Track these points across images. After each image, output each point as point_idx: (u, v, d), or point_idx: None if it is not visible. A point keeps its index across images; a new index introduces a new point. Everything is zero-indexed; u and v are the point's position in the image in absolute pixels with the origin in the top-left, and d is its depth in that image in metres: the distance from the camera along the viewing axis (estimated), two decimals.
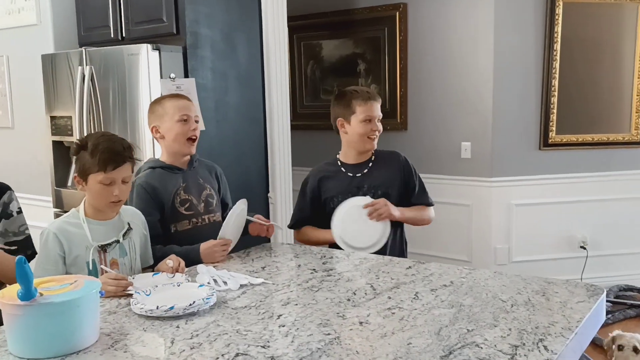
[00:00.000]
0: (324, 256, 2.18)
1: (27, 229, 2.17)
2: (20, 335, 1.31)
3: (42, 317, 1.30)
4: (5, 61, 3.95)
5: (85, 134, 3.31)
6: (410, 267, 2.01)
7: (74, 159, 1.93)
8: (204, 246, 2.12)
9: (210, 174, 2.44)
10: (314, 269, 2.02)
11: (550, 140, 4.19)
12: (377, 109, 2.51)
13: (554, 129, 4.17)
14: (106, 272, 1.81)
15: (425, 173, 4.42)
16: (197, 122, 2.31)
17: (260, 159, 3.69)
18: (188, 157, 2.32)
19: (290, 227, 2.64)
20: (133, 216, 2.04)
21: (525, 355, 1.30)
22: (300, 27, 4.92)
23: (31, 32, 3.80)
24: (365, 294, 1.74)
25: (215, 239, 2.15)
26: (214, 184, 2.42)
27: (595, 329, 1.61)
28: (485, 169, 4.20)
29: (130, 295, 1.69)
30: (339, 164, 2.57)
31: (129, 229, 1.98)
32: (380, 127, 2.52)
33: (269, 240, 2.60)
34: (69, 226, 1.88)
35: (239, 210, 2.21)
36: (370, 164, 2.55)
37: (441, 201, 4.36)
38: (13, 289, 1.31)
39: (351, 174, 2.52)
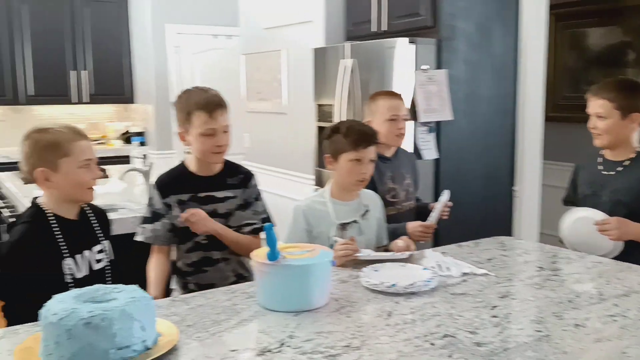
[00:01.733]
0: (555, 255, 2.12)
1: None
2: (265, 289, 1.59)
3: (283, 277, 1.55)
4: (284, 54, 4.51)
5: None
6: None
7: (325, 142, 2.18)
8: (410, 225, 2.31)
9: (409, 163, 2.64)
10: (541, 267, 1.98)
11: None
12: None
13: None
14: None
15: None
16: (405, 120, 2.51)
17: (507, 151, 3.63)
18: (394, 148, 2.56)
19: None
20: (371, 199, 2.25)
21: None
22: (567, 14, 4.63)
23: (305, 28, 4.27)
24: (590, 298, 1.67)
25: None
26: (413, 173, 2.62)
27: None
28: None
29: (359, 261, 1.89)
30: (601, 154, 2.39)
31: (367, 210, 2.19)
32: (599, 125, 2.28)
33: (510, 234, 2.61)
34: (316, 204, 2.14)
35: (445, 198, 2.35)
36: (628, 163, 2.30)
37: None
38: (264, 250, 1.59)
39: (605, 172, 2.35)
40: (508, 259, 2.10)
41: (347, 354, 1.32)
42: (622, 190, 2.26)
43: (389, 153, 2.54)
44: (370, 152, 2.11)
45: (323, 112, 3.94)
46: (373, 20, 3.78)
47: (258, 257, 1.60)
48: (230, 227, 2.15)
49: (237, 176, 2.22)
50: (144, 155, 4.00)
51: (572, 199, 2.52)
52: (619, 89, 2.27)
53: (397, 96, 2.60)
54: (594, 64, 4.53)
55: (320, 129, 3.99)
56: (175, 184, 2.14)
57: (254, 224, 2.21)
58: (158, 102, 5.90)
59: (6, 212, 3.89)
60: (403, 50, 3.31)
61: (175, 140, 5.98)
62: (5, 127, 6.06)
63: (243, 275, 2.22)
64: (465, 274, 1.88)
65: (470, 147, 3.52)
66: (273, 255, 1.55)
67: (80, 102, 6.08)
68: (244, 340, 1.42)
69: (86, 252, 1.85)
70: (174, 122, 6.02)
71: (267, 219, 2.23)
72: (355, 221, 2.14)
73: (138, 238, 2.14)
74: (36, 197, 1.86)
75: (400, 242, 2.09)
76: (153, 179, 3.27)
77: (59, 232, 1.78)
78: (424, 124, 3.33)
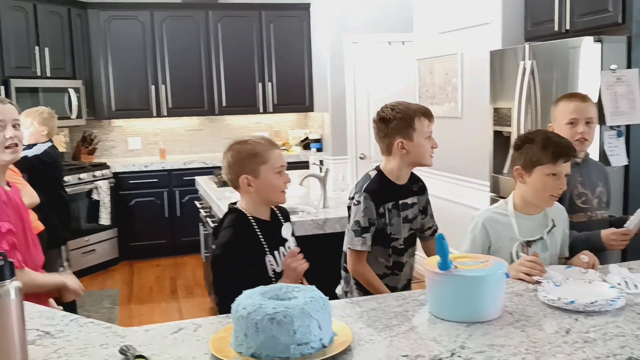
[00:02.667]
0: None
1: None
2: (437, 298, 1.60)
3: (454, 286, 1.55)
4: (460, 58, 4.45)
5: (521, 125, 3.51)
6: None
7: (514, 154, 2.11)
8: (604, 232, 2.18)
9: (600, 173, 2.47)
10: None
11: None
12: None
13: None
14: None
15: None
16: (588, 123, 2.37)
17: None
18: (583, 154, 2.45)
19: None
20: (557, 212, 2.13)
21: None
22: None
23: (483, 30, 4.17)
24: None
25: None
26: (605, 184, 2.45)
27: None
28: None
29: (538, 283, 1.81)
30: None
31: (554, 226, 2.08)
32: None
33: None
34: (497, 217, 2.07)
35: None
36: None
37: None
38: (435, 259, 1.60)
39: None
40: None
41: None
42: None
43: (577, 158, 2.40)
44: (568, 166, 2.01)
45: (500, 116, 3.83)
46: (555, 19, 3.59)
47: (430, 265, 1.62)
48: (412, 229, 2.33)
49: (417, 183, 2.38)
50: (320, 161, 4.20)
51: None
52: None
53: (578, 98, 2.45)
54: None
55: (497, 133, 3.87)
56: (383, 193, 2.26)
57: (432, 227, 2.45)
58: (334, 110, 6.14)
59: (202, 213, 4.32)
60: (588, 50, 3.10)
61: (350, 146, 6.18)
62: (202, 135, 6.72)
63: (409, 280, 2.35)
64: None
65: None
66: (445, 265, 1.55)
67: (265, 111, 6.54)
68: (415, 347, 1.44)
69: (281, 249, 2.04)
70: (349, 129, 6.24)
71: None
72: (541, 238, 2.05)
73: (359, 248, 2.22)
74: (233, 203, 2.07)
75: (584, 257, 1.97)
76: (329, 184, 3.43)
77: (260, 232, 1.98)
78: (612, 128, 3.10)
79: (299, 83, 6.57)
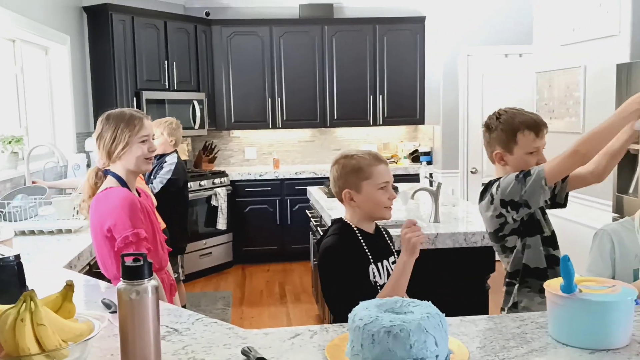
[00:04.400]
0: None
1: None
2: (558, 322, 1.54)
3: (578, 311, 1.49)
4: (583, 71, 4.24)
5: None
6: None
7: None
8: None
9: None
10: None
11: None
12: None
13: None
14: None
15: None
16: None
17: None
18: None
19: None
20: None
21: None
22: None
23: (609, 42, 3.96)
24: None
25: None
26: None
27: None
28: None
29: None
30: None
31: None
32: None
33: None
34: (622, 230, 2.00)
35: None
36: None
37: None
38: (558, 282, 1.55)
39: None
40: None
41: None
42: None
43: None
44: None
45: None
46: None
47: (551, 287, 1.56)
48: None
49: None
50: (430, 174, 4.16)
51: None
52: None
53: None
54: None
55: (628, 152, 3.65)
56: None
57: None
58: (445, 123, 6.06)
59: (313, 222, 4.42)
60: None
61: (460, 160, 6.06)
62: (313, 146, 6.88)
63: None
64: None
65: None
66: (569, 288, 1.49)
67: (375, 124, 6.58)
68: None
69: (385, 262, 2.05)
70: (460, 143, 6.14)
71: None
72: None
73: None
74: (340, 217, 2.12)
75: None
76: (440, 199, 3.39)
77: (364, 242, 2.01)
78: None
79: (410, 95, 6.56)
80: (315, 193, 4.62)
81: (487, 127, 2.22)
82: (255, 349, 1.45)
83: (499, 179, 2.16)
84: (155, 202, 3.24)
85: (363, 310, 1.40)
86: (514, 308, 2.20)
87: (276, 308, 4.96)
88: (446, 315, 1.47)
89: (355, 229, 2.02)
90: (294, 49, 6.39)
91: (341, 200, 2.04)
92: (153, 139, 2.26)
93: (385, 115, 6.55)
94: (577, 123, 4.34)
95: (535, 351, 1.50)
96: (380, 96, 6.51)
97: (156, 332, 1.35)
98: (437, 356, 1.35)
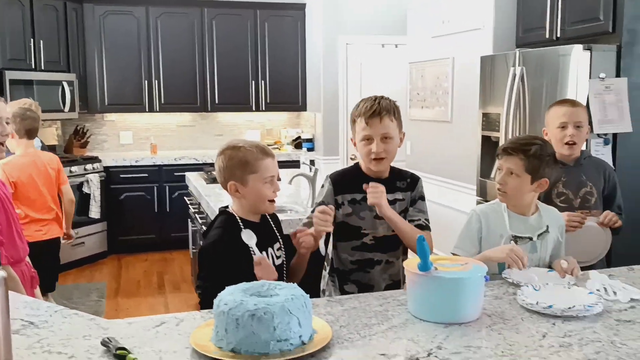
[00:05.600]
0: None
1: None
2: (416, 299, 1.63)
3: (433, 288, 1.58)
4: (451, 63, 4.48)
5: (509, 131, 3.55)
6: None
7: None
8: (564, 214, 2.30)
9: (597, 172, 2.53)
10: None
11: None
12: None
13: None
14: None
15: None
16: (578, 127, 2.49)
17: None
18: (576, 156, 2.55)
19: None
20: (554, 218, 2.16)
21: None
22: None
23: (475, 36, 4.21)
24: None
25: None
26: (599, 182, 2.52)
27: None
28: None
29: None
30: None
31: (547, 231, 2.11)
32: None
33: None
34: (491, 211, 2.14)
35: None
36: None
37: None
38: (416, 261, 1.63)
39: None
40: None
41: None
42: None
43: (567, 160, 2.51)
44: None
45: (489, 121, 3.86)
46: (546, 26, 3.63)
47: (409, 266, 1.64)
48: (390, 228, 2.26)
49: (405, 180, 2.30)
50: (311, 160, 4.22)
51: None
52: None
53: (568, 103, 2.58)
54: None
55: (485, 138, 3.91)
56: (349, 183, 2.24)
57: (417, 220, 2.26)
58: (326, 110, 6.16)
59: (192, 209, 4.33)
60: (577, 58, 3.14)
61: (341, 147, 6.20)
62: (194, 131, 6.73)
63: (397, 281, 2.28)
64: (633, 300, 1.75)
65: None
66: (425, 266, 1.58)
67: (258, 109, 6.55)
68: (393, 346, 1.47)
69: (270, 249, 2.05)
70: (341, 129, 6.27)
71: (427, 221, 2.27)
72: (530, 238, 2.08)
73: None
74: (225, 207, 2.11)
75: (564, 262, 2.00)
76: (318, 184, 3.45)
77: None
78: (599, 135, 3.13)
79: (292, 82, 6.59)
80: (194, 180, 4.53)
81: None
82: (116, 339, 1.40)
83: None
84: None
85: (228, 296, 1.40)
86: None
87: (154, 298, 4.83)
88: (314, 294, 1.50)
89: (239, 220, 2.00)
90: (172, 31, 6.20)
91: (227, 190, 2.02)
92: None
93: (268, 101, 6.54)
94: (445, 112, 4.58)
95: (394, 327, 1.57)
96: (263, 82, 6.49)
97: (5, 326, 1.27)
98: (300, 336, 1.38)
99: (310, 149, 6.49)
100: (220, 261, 1.91)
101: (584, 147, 2.64)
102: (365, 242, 2.24)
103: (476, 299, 1.62)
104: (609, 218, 2.40)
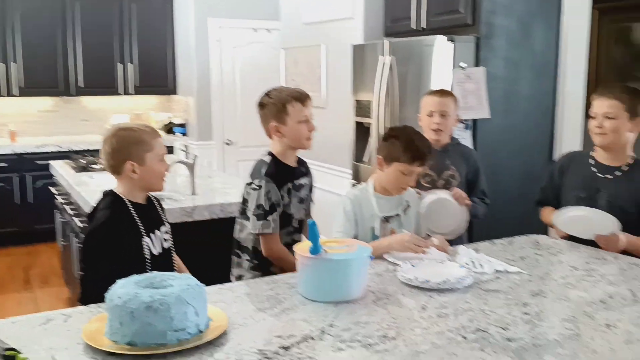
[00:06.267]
0: (590, 256, 2.16)
1: None
2: (307, 281, 1.69)
3: (324, 269, 1.65)
4: (323, 49, 4.59)
5: (380, 117, 3.72)
6: None
7: (382, 144, 2.29)
8: None
9: (462, 158, 2.75)
10: (574, 267, 2.04)
11: None
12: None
13: None
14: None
15: None
16: (443, 116, 2.69)
17: (545, 150, 3.65)
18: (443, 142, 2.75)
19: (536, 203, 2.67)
20: (411, 196, 2.35)
21: None
22: (612, 9, 4.59)
23: (346, 24, 4.34)
24: (623, 299, 1.72)
25: None
26: (462, 168, 2.73)
27: None
28: None
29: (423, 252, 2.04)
30: (592, 156, 2.43)
31: (409, 206, 2.30)
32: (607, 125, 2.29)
33: (545, 233, 2.66)
34: (361, 195, 2.27)
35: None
36: (626, 169, 2.33)
37: None
38: (306, 245, 1.69)
39: (600, 175, 2.37)
40: (541, 258, 2.15)
41: (384, 343, 1.41)
42: (622, 197, 2.29)
43: (436, 145, 2.66)
44: (420, 169, 2.22)
45: (361, 108, 4.02)
46: (412, 17, 3.83)
47: (300, 250, 1.70)
48: (304, 209, 2.43)
49: (304, 165, 2.49)
50: (186, 146, 4.15)
51: (551, 201, 2.54)
52: (630, 92, 2.31)
53: (438, 93, 2.77)
54: None
55: (358, 124, 4.06)
56: (281, 174, 2.32)
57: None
58: (199, 94, 6.06)
59: (59, 199, 4.09)
60: (441, 48, 3.36)
61: (215, 131, 6.14)
62: (57, 117, 6.31)
63: None
64: (498, 271, 1.95)
65: (507, 145, 3.55)
66: (315, 249, 1.64)
67: (126, 93, 6.28)
68: (288, 327, 1.52)
69: (157, 232, 2.05)
70: (214, 115, 6.19)
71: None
72: (397, 215, 2.25)
73: (267, 231, 2.26)
74: (110, 190, 2.05)
75: (435, 240, 2.17)
76: (198, 170, 3.41)
77: (136, 215, 1.98)
78: (461, 121, 3.38)
79: (162, 65, 6.38)
80: (60, 168, 4.27)
81: (260, 105, 2.35)
82: (2, 340, 1.32)
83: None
84: None
85: (121, 289, 1.37)
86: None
87: (20, 294, 4.52)
88: (207, 285, 1.51)
89: (127, 201, 1.99)
90: (31, 9, 5.75)
91: (117, 173, 1.99)
92: None
93: (137, 84, 6.29)
94: (319, 98, 4.70)
95: (287, 309, 1.63)
96: (130, 64, 6.22)
97: None
98: (197, 325, 1.39)
99: (183, 134, 6.35)
100: (109, 242, 1.88)
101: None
102: (294, 225, 2.38)
103: (362, 278, 1.72)
104: (459, 194, 2.59)
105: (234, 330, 1.47)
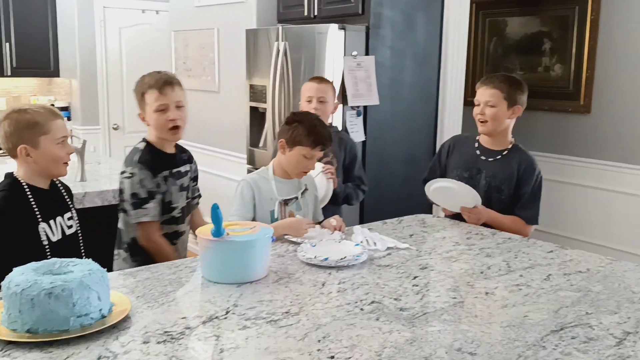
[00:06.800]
0: (470, 232, 2.36)
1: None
2: (209, 263, 1.72)
3: (227, 252, 1.69)
4: (216, 33, 4.56)
5: (276, 103, 3.77)
6: (551, 251, 2.12)
7: (284, 127, 2.33)
8: None
9: (339, 145, 2.86)
10: (457, 242, 2.21)
11: None
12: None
13: None
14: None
15: (605, 160, 4.28)
16: (321, 102, 2.80)
17: (429, 135, 3.88)
18: None
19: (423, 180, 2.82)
20: (308, 179, 2.43)
21: (634, 341, 1.39)
22: (487, 3, 4.92)
23: (238, 8, 4.33)
24: (499, 269, 1.90)
25: None
26: (340, 154, 2.85)
27: None
28: None
29: (297, 244, 2.05)
30: (477, 140, 2.62)
31: (306, 189, 2.38)
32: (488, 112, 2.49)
33: (430, 212, 2.85)
34: (260, 179, 2.31)
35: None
36: (505, 153, 2.55)
37: (620, 191, 4.20)
38: (209, 228, 1.71)
39: (483, 157, 2.57)
40: (428, 235, 2.32)
41: (287, 319, 1.47)
42: (499, 177, 2.51)
43: None
44: (321, 153, 2.30)
45: (255, 93, 4.04)
46: (305, 4, 3.90)
47: (203, 233, 1.73)
48: (187, 197, 2.38)
49: (185, 152, 2.44)
50: (71, 130, 3.98)
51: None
52: (509, 82, 2.53)
53: (316, 80, 2.91)
54: (513, 51, 4.84)
55: (253, 109, 4.09)
56: (157, 162, 2.25)
57: (199, 195, 2.54)
58: (83, 77, 5.80)
59: None
60: (333, 36, 3.46)
61: (102, 117, 5.91)
62: None
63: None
64: (389, 248, 2.08)
65: (394, 130, 3.73)
66: (218, 232, 1.68)
67: (2, 75, 5.86)
68: (192, 309, 1.55)
69: (59, 218, 1.99)
70: (100, 98, 5.95)
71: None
72: (296, 197, 2.32)
73: (146, 219, 2.20)
74: (11, 172, 1.97)
75: (333, 220, 2.27)
76: (87, 156, 3.29)
77: (33, 200, 1.91)
78: (353, 108, 3.51)
79: (42, 46, 6.01)
80: None
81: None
82: None
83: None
84: None
85: (19, 276, 1.33)
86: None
87: None
88: (107, 271, 1.50)
89: (25, 185, 1.91)
90: None
91: (14, 157, 1.92)
92: None
93: (14, 65, 5.89)
94: (212, 82, 4.67)
95: (191, 292, 1.65)
96: (7, 44, 5.81)
97: None
98: (100, 310, 1.38)
99: (68, 119, 6.05)
100: (4, 224, 1.82)
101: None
102: (174, 215, 2.32)
103: (265, 259, 1.77)
104: (327, 168, 2.68)
105: (138, 313, 1.47)
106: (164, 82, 2.19)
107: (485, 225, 2.46)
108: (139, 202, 2.20)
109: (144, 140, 2.31)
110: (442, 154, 2.73)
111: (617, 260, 2.02)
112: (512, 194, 2.51)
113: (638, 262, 2.07)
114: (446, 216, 2.63)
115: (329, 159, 2.80)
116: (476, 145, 2.61)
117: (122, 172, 2.25)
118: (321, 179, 2.67)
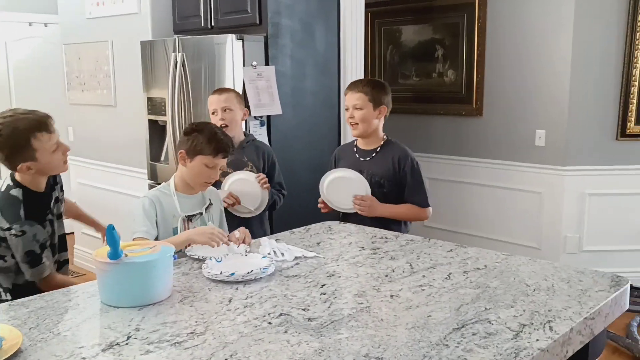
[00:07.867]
0: (375, 236, 2.40)
1: None
2: (107, 287, 1.64)
3: (126, 274, 1.62)
4: (110, 46, 4.39)
5: (175, 115, 3.69)
6: (451, 250, 2.19)
7: (183, 138, 2.27)
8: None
9: (257, 154, 2.92)
10: (362, 247, 2.25)
11: (628, 131, 4.14)
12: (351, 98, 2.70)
13: (632, 119, 4.12)
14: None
15: (497, 159, 4.51)
16: (225, 110, 2.89)
17: (333, 143, 3.92)
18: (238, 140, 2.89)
19: None
20: (212, 194, 2.39)
21: (529, 333, 1.46)
22: (382, 12, 5.07)
23: (132, 20, 4.20)
24: (403, 271, 1.94)
25: None
26: (259, 162, 2.90)
27: (611, 318, 1.73)
28: (558, 157, 4.21)
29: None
30: (355, 145, 2.83)
31: (210, 204, 2.34)
32: (356, 115, 2.66)
33: (338, 218, 2.87)
34: (162, 195, 2.24)
35: None
36: (379, 150, 2.74)
37: (511, 188, 4.44)
38: (105, 250, 1.64)
39: (362, 159, 2.76)
40: (334, 242, 2.34)
41: (192, 339, 1.43)
42: (379, 173, 2.69)
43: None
44: (224, 161, 2.27)
45: (154, 105, 3.93)
46: (201, 15, 3.84)
47: (99, 256, 1.64)
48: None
49: (51, 177, 2.22)
50: None
51: None
52: (372, 85, 2.72)
53: (217, 91, 2.95)
54: (409, 58, 5.01)
55: (152, 122, 3.97)
56: (40, 209, 2.13)
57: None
58: None
59: None
60: (232, 47, 3.43)
61: None
62: None
63: None
64: (297, 257, 2.07)
65: (298, 139, 3.75)
66: (115, 254, 1.60)
67: None
68: (90, 337, 1.47)
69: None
70: None
71: None
72: (200, 213, 2.27)
73: (46, 274, 2.09)
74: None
75: (237, 233, 2.23)
76: None
77: None
78: (256, 118, 3.50)
79: None
80: None
81: None
82: None
83: None
84: None
85: None
86: None
87: None
88: None
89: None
90: None
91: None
92: None
93: None
94: (108, 95, 4.49)
95: (89, 319, 1.57)
96: None
97: None
98: None
99: None
100: None
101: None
102: (56, 243, 2.21)
103: (167, 279, 1.71)
104: (262, 177, 2.79)
105: (31, 347, 1.38)
106: (47, 118, 2.06)
107: (386, 220, 2.62)
108: (35, 260, 2.03)
109: (16, 183, 2.06)
110: (332, 163, 2.90)
111: (512, 255, 2.12)
112: (395, 187, 2.68)
113: (531, 255, 2.19)
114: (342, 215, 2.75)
115: (248, 168, 2.83)
116: (355, 149, 2.80)
117: (8, 229, 2.00)
118: (256, 188, 2.74)
